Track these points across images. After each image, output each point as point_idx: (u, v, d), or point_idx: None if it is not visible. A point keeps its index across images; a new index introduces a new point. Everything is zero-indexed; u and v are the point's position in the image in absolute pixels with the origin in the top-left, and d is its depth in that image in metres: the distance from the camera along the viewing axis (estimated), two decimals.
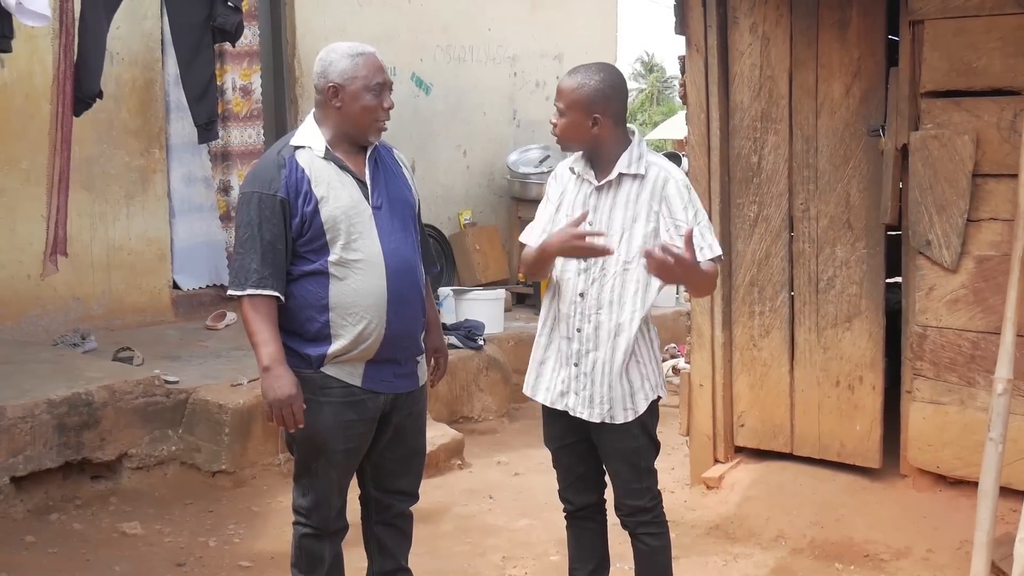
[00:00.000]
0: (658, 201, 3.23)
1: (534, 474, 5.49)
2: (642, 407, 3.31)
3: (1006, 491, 3.84)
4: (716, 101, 4.95)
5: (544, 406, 3.45)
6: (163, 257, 7.17)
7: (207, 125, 6.01)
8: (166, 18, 6.44)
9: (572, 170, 3.39)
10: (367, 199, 3.17)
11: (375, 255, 3.14)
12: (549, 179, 3.49)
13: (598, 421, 3.30)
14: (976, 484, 3.82)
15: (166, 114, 7.09)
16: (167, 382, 5.45)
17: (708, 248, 3.22)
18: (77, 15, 5.21)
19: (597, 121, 3.24)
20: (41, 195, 5.51)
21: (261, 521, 4.85)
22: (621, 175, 3.27)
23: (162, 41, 6.95)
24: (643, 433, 3.35)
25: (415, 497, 3.49)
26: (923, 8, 4.38)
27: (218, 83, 6.73)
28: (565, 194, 3.39)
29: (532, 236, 3.40)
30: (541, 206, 3.46)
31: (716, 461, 5.13)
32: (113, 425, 5.09)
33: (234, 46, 6.42)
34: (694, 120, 5.03)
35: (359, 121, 3.15)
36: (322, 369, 3.16)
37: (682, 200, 3.24)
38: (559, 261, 3.34)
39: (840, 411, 4.84)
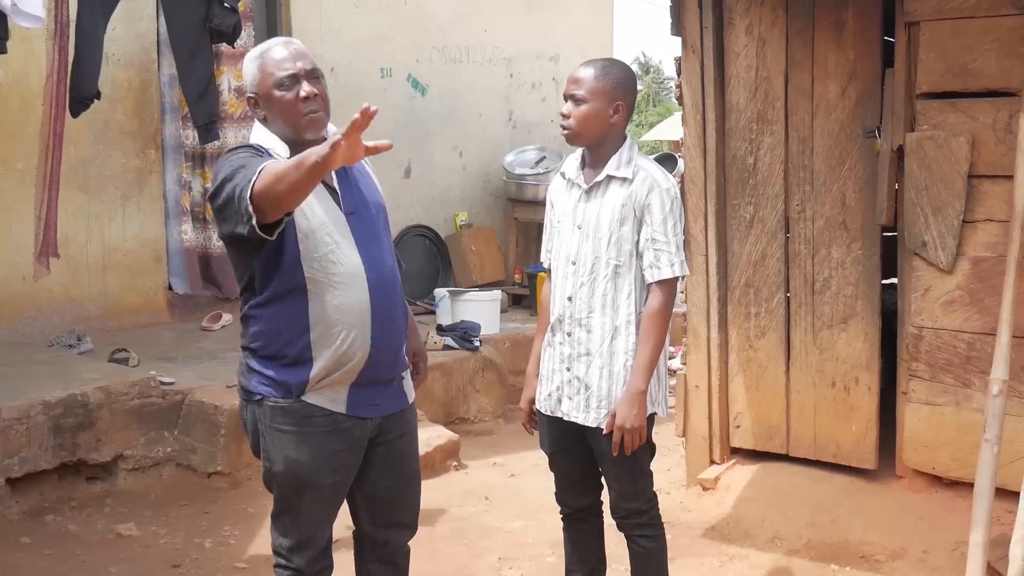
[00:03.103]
0: (641, 209, 3.22)
1: (530, 475, 5.49)
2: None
3: (1002, 492, 3.84)
4: (712, 102, 4.95)
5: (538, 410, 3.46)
6: (159, 258, 7.16)
7: (207, 126, 6.00)
8: (162, 19, 6.44)
9: (563, 175, 3.39)
10: (339, 206, 2.90)
11: (355, 266, 2.87)
12: (547, 192, 3.51)
13: (593, 425, 3.29)
14: (972, 485, 3.83)
15: (161, 115, 7.09)
16: (163, 383, 5.45)
17: (659, 268, 3.20)
18: (72, 16, 5.21)
19: (618, 109, 3.23)
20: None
21: (256, 522, 4.84)
22: (610, 177, 3.26)
23: (158, 43, 6.94)
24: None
25: (414, 528, 3.22)
26: (919, 9, 4.38)
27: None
28: (557, 202, 3.42)
29: (543, 252, 3.52)
30: (544, 220, 3.52)
31: (712, 462, 5.13)
32: (109, 426, 5.08)
33: (233, 47, 6.42)
34: (690, 121, 5.03)
35: (285, 123, 2.86)
36: (303, 398, 2.88)
37: (663, 211, 3.21)
38: (552, 268, 3.41)
39: (836, 412, 4.84)
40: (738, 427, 5.13)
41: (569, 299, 3.30)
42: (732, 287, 5.05)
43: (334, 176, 2.92)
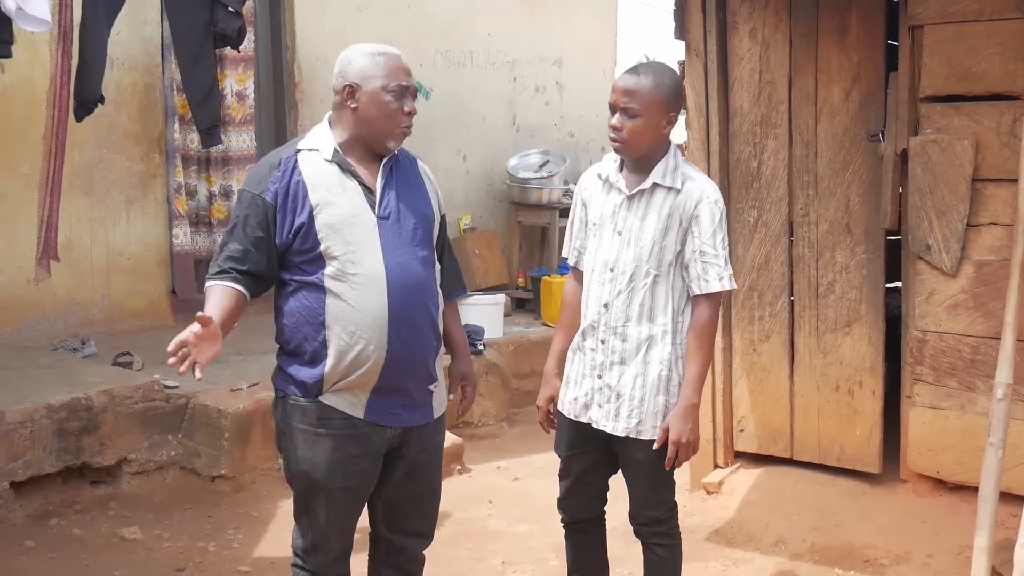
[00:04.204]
0: (688, 219, 3.14)
1: (534, 479, 5.48)
2: None
3: (1006, 496, 3.84)
4: (716, 106, 4.95)
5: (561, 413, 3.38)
6: (162, 262, 7.16)
7: (210, 130, 6.00)
8: (166, 23, 6.44)
9: (599, 176, 3.29)
10: (372, 208, 2.94)
11: (375, 269, 2.89)
12: (576, 188, 3.40)
13: (622, 435, 3.23)
14: (976, 489, 3.82)
15: (166, 119, 7.09)
16: (167, 387, 5.44)
17: (707, 281, 3.15)
18: (76, 20, 5.21)
19: (671, 121, 3.15)
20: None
21: (260, 526, 4.85)
22: (655, 185, 3.17)
23: (162, 46, 6.95)
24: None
25: (429, 538, 3.24)
26: (922, 13, 4.39)
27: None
28: (591, 204, 3.30)
29: (566, 248, 3.43)
30: (570, 216, 3.42)
31: (716, 466, 5.13)
32: (113, 430, 5.08)
33: (238, 51, 6.42)
34: (694, 125, 5.03)
35: (376, 125, 2.93)
36: (321, 398, 2.93)
37: (712, 223, 3.14)
38: (585, 271, 3.32)
39: (840, 416, 4.84)
40: (742, 431, 5.12)
41: (605, 306, 3.22)
42: (736, 291, 5.05)
43: (379, 180, 2.98)
